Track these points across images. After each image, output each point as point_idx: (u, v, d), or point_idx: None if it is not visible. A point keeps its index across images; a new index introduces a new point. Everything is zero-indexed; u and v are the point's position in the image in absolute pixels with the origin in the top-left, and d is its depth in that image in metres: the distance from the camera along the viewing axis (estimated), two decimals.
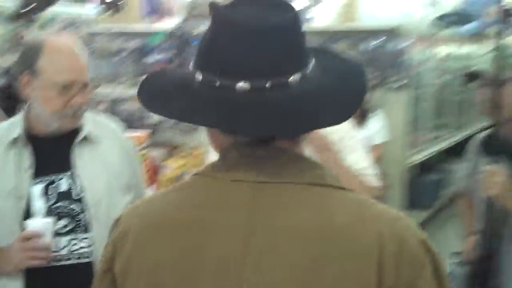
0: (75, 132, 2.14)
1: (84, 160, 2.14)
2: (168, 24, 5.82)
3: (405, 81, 5.43)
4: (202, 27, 4.94)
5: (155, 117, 4.94)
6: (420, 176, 6.89)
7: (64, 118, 2.07)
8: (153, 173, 4.34)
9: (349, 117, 1.14)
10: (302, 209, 1.12)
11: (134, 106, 5.17)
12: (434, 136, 7.63)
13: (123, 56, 5.86)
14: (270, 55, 1.11)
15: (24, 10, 5.36)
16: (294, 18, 1.14)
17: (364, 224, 1.10)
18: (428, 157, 6.98)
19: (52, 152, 2.13)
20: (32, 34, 5.11)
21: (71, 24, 5.85)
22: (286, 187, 1.14)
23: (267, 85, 1.11)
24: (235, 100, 1.11)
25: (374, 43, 5.46)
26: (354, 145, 2.37)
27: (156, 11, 6.29)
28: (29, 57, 2.04)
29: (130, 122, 4.78)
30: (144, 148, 4.09)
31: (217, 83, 1.12)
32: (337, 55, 1.28)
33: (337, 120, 1.12)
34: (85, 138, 2.16)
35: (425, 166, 7.04)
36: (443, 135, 7.96)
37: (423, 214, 6.79)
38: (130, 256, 1.20)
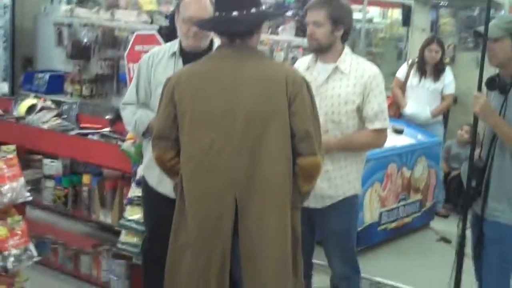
0: (209, 49, 3.50)
1: None
2: None
3: None
4: None
5: (281, 56, 6.39)
6: None
7: (188, 39, 3.49)
8: None
9: (250, 27, 2.89)
10: (253, 67, 2.84)
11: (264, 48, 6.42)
12: None
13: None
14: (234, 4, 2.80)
15: None
16: None
17: (279, 71, 2.86)
18: None
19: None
20: None
21: None
22: (246, 58, 2.86)
23: (234, 13, 2.80)
24: (219, 19, 2.85)
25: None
26: (377, 90, 3.47)
27: None
28: (177, 4, 3.64)
29: None
30: None
31: (217, 13, 2.87)
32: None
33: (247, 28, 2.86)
34: None
35: None
36: None
37: None
38: (182, 89, 2.85)
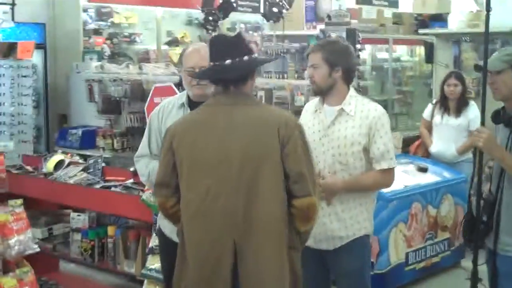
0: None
1: None
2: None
3: None
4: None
5: (302, 100, 6.48)
6: None
7: (192, 89, 3.62)
8: None
9: (243, 74, 3.05)
10: (246, 114, 2.96)
11: (286, 93, 6.66)
12: None
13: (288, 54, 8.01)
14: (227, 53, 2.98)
15: (210, 19, 8.16)
16: (239, 39, 3.07)
17: (272, 116, 2.99)
18: None
19: None
20: None
21: (250, 29, 7.97)
22: (240, 104, 2.99)
23: (227, 62, 2.98)
24: (213, 68, 3.02)
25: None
26: (382, 131, 3.56)
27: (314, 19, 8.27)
28: (180, 55, 3.89)
29: (282, 105, 6.48)
30: None
31: (211, 63, 3.03)
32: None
33: (240, 74, 3.02)
34: None
35: None
36: None
37: None
38: (179, 137, 2.99)
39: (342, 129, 3.58)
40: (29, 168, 5.26)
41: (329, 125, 3.60)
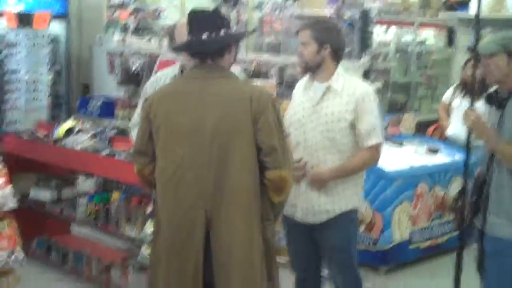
0: None
1: None
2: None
3: None
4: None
5: None
6: None
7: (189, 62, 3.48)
8: None
9: (218, 47, 3.12)
10: (219, 86, 3.03)
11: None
12: None
13: None
14: (204, 28, 3.06)
15: None
16: (216, 14, 3.13)
17: (244, 91, 3.05)
18: None
19: None
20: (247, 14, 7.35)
21: (276, 8, 7.47)
22: (216, 78, 3.05)
23: (204, 36, 3.05)
24: (191, 42, 3.11)
25: None
26: (368, 108, 3.58)
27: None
28: (170, 32, 4.06)
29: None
30: None
31: (189, 37, 3.10)
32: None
33: (215, 48, 3.09)
34: None
35: None
36: None
37: None
38: (156, 107, 3.06)
39: (330, 105, 3.62)
40: (40, 134, 5.40)
41: (318, 102, 3.64)
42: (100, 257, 5.02)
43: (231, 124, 2.97)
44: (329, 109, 3.61)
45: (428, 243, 5.81)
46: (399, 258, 5.56)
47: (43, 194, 5.31)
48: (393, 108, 7.91)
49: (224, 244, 2.98)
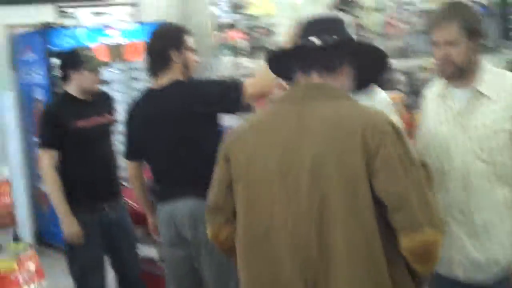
0: None
1: None
2: None
3: None
4: None
5: None
6: None
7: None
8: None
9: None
10: (327, 108, 2.15)
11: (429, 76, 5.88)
12: None
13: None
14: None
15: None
16: (338, 20, 2.35)
17: (355, 116, 2.13)
18: None
19: None
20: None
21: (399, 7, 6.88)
22: (319, 100, 2.18)
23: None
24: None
25: None
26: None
27: None
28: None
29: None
30: None
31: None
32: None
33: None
34: None
35: None
36: None
37: None
38: (235, 150, 2.26)
39: (479, 115, 2.68)
40: None
41: (461, 113, 2.72)
42: None
43: (335, 165, 2.08)
44: (479, 120, 2.67)
45: None
46: None
47: None
48: None
49: None
